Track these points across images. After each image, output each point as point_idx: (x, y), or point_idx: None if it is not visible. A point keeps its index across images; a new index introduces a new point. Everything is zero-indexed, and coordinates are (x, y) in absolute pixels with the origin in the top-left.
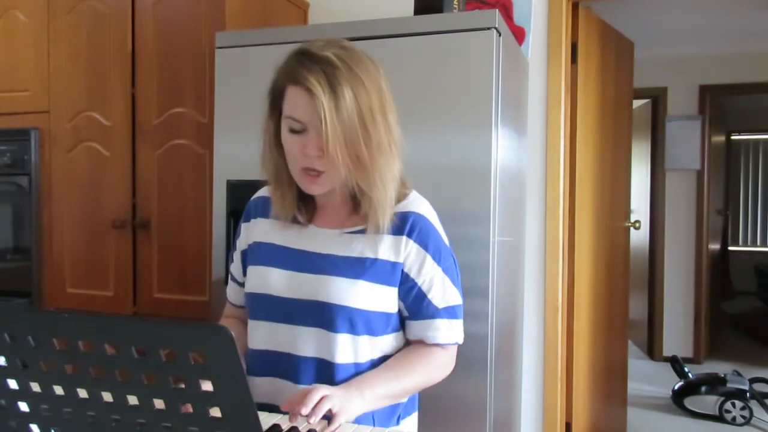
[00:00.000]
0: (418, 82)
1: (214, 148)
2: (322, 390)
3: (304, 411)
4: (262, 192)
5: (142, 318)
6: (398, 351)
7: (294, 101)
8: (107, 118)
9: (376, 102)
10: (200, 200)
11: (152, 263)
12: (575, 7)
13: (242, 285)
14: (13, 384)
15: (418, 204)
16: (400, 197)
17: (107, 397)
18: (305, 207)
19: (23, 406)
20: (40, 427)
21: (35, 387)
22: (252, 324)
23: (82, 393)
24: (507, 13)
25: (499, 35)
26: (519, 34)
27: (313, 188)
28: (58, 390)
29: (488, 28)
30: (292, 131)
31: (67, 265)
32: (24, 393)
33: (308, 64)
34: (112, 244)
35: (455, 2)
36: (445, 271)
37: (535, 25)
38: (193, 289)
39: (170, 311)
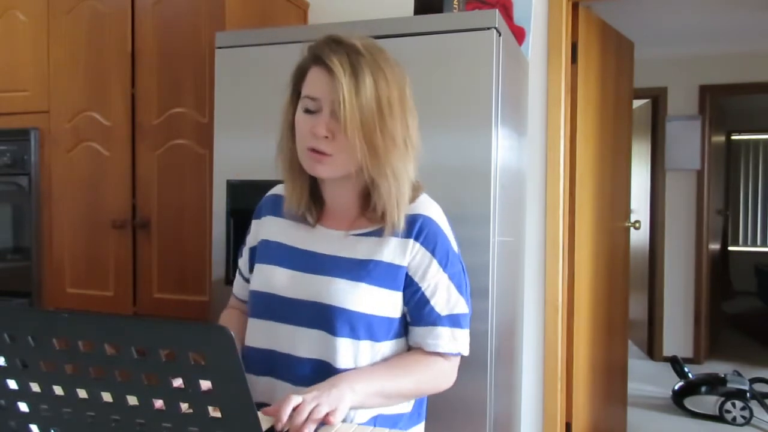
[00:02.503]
0: (418, 82)
1: (214, 148)
2: (310, 402)
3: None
4: (276, 190)
5: (142, 318)
6: None
7: (313, 80)
8: (107, 118)
9: (396, 96)
10: (200, 200)
11: (152, 263)
12: (575, 7)
13: (248, 281)
14: (13, 384)
15: (428, 207)
16: (411, 199)
17: (107, 397)
18: (315, 207)
19: (23, 406)
20: (39, 427)
21: (35, 387)
22: (253, 322)
23: (82, 393)
24: (507, 13)
25: (499, 35)
26: (519, 34)
27: (318, 169)
28: (58, 390)
29: (488, 28)
30: (307, 111)
31: (67, 265)
32: (24, 393)
33: (334, 47)
34: (112, 244)
35: (455, 2)
36: (452, 277)
37: (535, 25)
38: (193, 289)
39: (170, 311)
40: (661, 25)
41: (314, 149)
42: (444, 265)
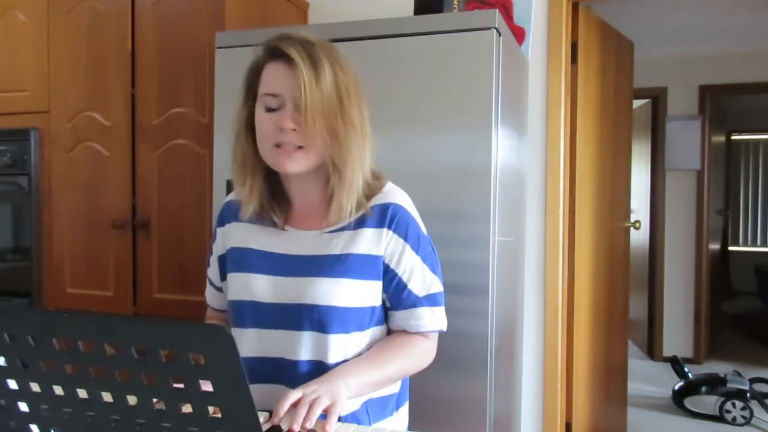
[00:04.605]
0: (418, 82)
1: (214, 148)
2: (309, 395)
3: (303, 424)
4: (232, 196)
5: (142, 318)
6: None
7: (272, 76)
8: (107, 118)
9: (352, 85)
10: (200, 200)
11: (152, 263)
12: (575, 7)
13: (220, 289)
14: (13, 384)
15: (395, 194)
16: (377, 189)
17: (107, 397)
18: (279, 208)
19: (23, 406)
20: (40, 427)
21: (35, 387)
22: (237, 332)
23: (82, 393)
24: (507, 13)
25: (499, 35)
26: (519, 34)
27: (289, 164)
28: (58, 390)
29: (488, 28)
30: (268, 110)
31: (67, 265)
32: (24, 393)
33: (287, 41)
34: (112, 244)
35: (455, 2)
36: (424, 259)
37: (535, 25)
38: (193, 289)
39: (170, 311)
40: (661, 25)
41: (281, 144)
42: (416, 249)
